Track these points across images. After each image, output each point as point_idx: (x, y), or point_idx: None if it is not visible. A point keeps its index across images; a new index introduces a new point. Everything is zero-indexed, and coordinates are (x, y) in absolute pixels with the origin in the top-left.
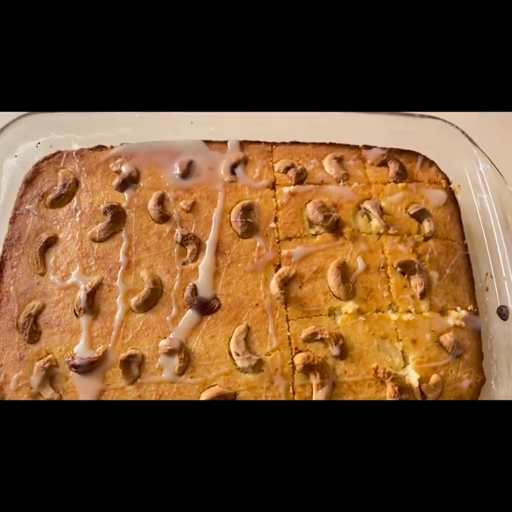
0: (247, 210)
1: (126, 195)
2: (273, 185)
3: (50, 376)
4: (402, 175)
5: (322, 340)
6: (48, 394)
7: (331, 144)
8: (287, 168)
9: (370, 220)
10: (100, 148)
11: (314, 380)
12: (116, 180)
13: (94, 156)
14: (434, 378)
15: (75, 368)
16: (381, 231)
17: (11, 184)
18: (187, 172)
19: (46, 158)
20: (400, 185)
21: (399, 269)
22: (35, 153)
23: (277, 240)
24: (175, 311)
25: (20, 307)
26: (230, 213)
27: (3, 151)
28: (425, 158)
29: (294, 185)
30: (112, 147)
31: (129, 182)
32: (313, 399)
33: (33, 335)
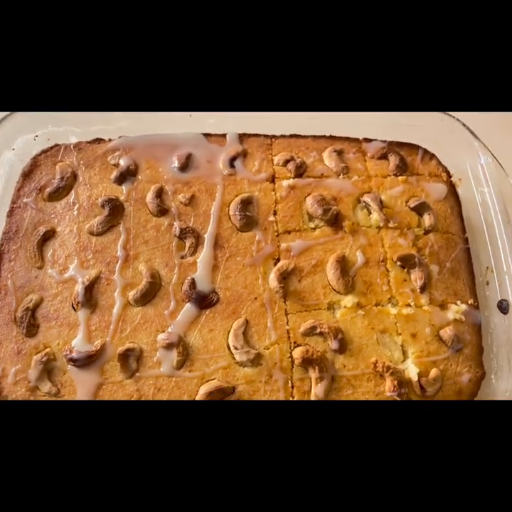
0: (246, 204)
1: (124, 188)
2: (272, 179)
3: (48, 370)
4: (403, 168)
5: (321, 334)
6: (45, 388)
7: (331, 137)
8: (287, 161)
9: (369, 213)
10: (98, 141)
11: (313, 374)
12: (115, 174)
13: (92, 149)
14: (433, 372)
15: (73, 361)
16: (381, 224)
17: (8, 177)
18: (186, 165)
19: (44, 151)
20: (400, 178)
21: (399, 263)
22: (33, 146)
23: (276, 234)
24: (173, 305)
25: (18, 301)
26: (228, 207)
27: (1, 144)
28: (426, 151)
29: (294, 178)
30: (110, 140)
31: (127, 175)
32: (312, 393)
33: (31, 328)
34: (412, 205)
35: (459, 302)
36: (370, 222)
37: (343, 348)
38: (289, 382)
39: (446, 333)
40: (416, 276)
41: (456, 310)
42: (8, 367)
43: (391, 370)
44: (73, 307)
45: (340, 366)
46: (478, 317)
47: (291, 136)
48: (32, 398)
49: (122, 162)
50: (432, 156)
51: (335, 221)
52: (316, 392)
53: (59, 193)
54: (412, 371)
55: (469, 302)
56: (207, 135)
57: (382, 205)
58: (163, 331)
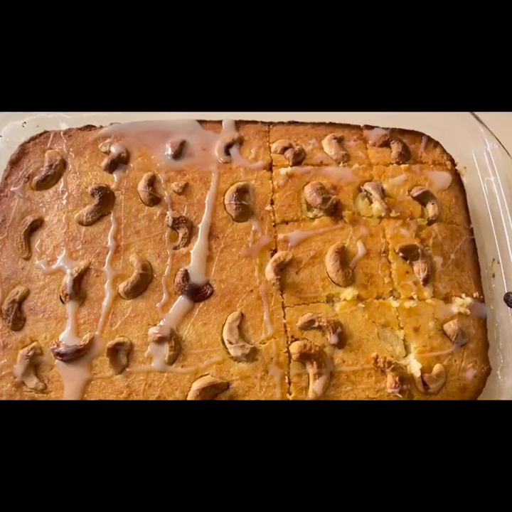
0: (242, 192)
1: (115, 176)
2: (269, 167)
3: (34, 364)
4: (405, 156)
5: (319, 328)
6: (32, 383)
7: (331, 124)
8: (284, 149)
9: (371, 202)
10: (89, 128)
11: (311, 369)
12: (105, 161)
13: (83, 136)
14: (437, 368)
15: (61, 356)
16: (382, 214)
17: None
18: (179, 152)
19: (32, 139)
20: (402, 166)
21: (401, 254)
22: (21, 132)
23: (273, 224)
24: (165, 298)
25: (4, 293)
26: (224, 196)
27: None
28: (430, 139)
29: (292, 166)
30: (101, 127)
31: (118, 163)
32: (310, 389)
33: (17, 322)
34: (415, 195)
35: (463, 295)
36: (371, 212)
37: (342, 342)
38: (286, 378)
39: (451, 327)
40: (419, 268)
41: (460, 303)
42: None
43: (392, 366)
44: (61, 299)
45: (339, 361)
46: (483, 311)
47: (290, 123)
48: (18, 394)
49: (113, 149)
50: (436, 143)
51: (334, 211)
52: (314, 388)
53: (47, 182)
54: (414, 367)
55: (474, 295)
56: (202, 122)
57: (383, 194)
58: (155, 325)
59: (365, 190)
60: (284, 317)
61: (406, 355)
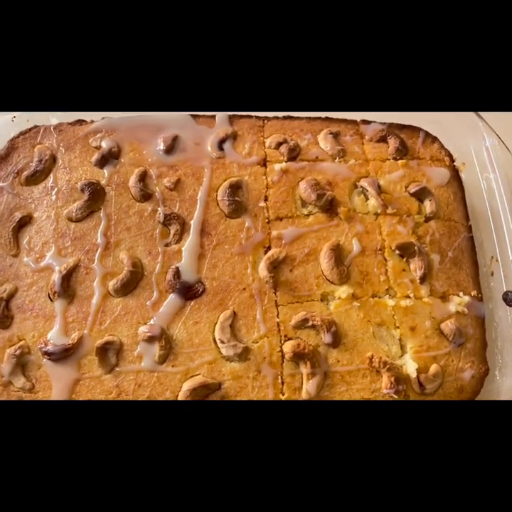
0: (236, 188)
1: (105, 171)
2: (264, 162)
3: (21, 364)
4: (403, 151)
5: (313, 327)
6: (19, 383)
7: (327, 119)
8: (279, 144)
9: (367, 199)
10: (80, 122)
11: (305, 369)
12: (96, 156)
13: (74, 130)
14: (433, 368)
15: (49, 355)
16: (379, 211)
17: None
18: (171, 147)
19: (22, 133)
20: (399, 162)
21: (397, 252)
22: (11, 127)
23: (267, 220)
24: (156, 296)
25: None
26: (216, 191)
27: None
28: (427, 134)
29: (286, 161)
30: (92, 121)
31: (109, 158)
32: (303, 390)
33: (5, 320)
34: (412, 191)
35: (461, 294)
36: (367, 209)
37: (336, 341)
38: (279, 378)
39: (448, 326)
40: (416, 266)
41: (458, 302)
42: None
43: (388, 366)
44: (49, 297)
45: (333, 361)
46: (481, 309)
47: (285, 117)
48: (5, 394)
49: (104, 144)
50: (434, 138)
51: (329, 207)
52: (308, 388)
53: (36, 177)
54: (410, 367)
55: (472, 294)
56: (195, 116)
57: (380, 190)
58: (145, 323)
59: (361, 187)
60: (277, 316)
61: (402, 355)
